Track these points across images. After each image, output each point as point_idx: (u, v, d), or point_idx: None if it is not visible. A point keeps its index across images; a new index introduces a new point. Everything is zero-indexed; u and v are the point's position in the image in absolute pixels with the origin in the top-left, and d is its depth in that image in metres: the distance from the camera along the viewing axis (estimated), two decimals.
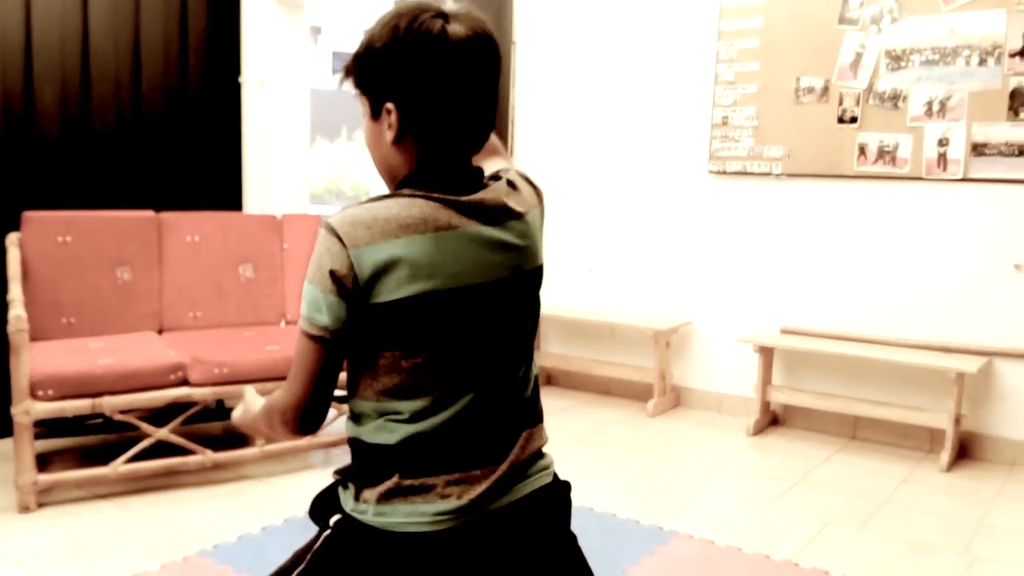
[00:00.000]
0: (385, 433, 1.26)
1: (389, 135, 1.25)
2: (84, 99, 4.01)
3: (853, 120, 4.12)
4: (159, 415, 3.43)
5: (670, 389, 4.70)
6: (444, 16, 1.24)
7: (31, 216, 3.52)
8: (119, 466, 3.18)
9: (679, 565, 2.81)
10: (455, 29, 1.23)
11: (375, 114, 1.27)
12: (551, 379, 5.20)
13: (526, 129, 5.16)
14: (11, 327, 3.00)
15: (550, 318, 5.03)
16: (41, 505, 3.12)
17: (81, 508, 3.14)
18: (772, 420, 4.43)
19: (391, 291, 1.18)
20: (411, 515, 1.23)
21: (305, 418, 1.27)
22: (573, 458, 3.86)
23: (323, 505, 1.37)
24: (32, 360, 3.05)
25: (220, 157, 4.55)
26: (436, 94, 1.22)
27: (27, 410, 3.01)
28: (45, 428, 3.39)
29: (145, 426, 3.24)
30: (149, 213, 3.79)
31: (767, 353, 4.27)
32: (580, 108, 4.96)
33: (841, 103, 4.14)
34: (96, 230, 3.61)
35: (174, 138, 4.34)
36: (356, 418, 1.32)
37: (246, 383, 3.35)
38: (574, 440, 4.13)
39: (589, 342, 5.02)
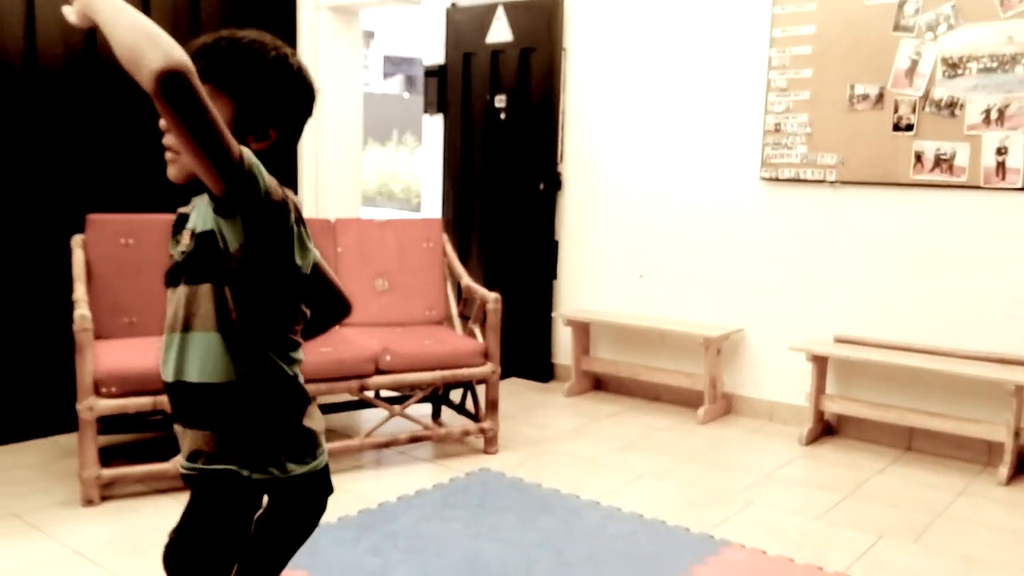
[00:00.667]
0: None
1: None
2: (148, 105, 4.11)
3: (909, 128, 4.06)
4: None
5: (720, 396, 4.67)
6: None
7: (95, 219, 3.63)
8: (178, 462, 3.26)
9: (730, 575, 2.80)
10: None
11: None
12: (600, 384, 5.20)
13: (576, 135, 5.18)
14: (76, 326, 3.10)
15: (600, 323, 5.04)
16: (104, 499, 3.21)
17: (142, 502, 3.23)
18: (825, 430, 4.39)
19: None
20: None
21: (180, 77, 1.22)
22: (621, 464, 3.86)
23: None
24: (96, 358, 3.15)
25: (276, 161, 4.62)
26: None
27: (91, 406, 3.10)
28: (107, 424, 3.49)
29: None
30: None
31: (820, 362, 4.23)
32: (630, 114, 4.96)
33: (896, 110, 4.09)
34: (157, 232, 3.70)
35: None
36: None
37: (307, 382, 3.41)
38: (622, 446, 4.13)
39: (639, 348, 5.01)
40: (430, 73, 5.86)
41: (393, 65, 27.36)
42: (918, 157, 4.04)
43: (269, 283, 1.48)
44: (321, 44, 4.65)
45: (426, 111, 6.03)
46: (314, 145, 4.69)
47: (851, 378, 4.32)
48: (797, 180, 4.40)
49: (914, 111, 4.04)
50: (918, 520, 3.32)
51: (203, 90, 1.26)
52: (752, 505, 3.42)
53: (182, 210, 1.60)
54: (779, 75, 4.42)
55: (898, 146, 4.09)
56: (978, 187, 3.92)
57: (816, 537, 3.13)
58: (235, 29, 1.53)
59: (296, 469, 1.57)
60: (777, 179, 4.47)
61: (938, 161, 4.00)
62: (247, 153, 1.37)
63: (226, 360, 1.48)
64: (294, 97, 1.55)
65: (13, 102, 3.74)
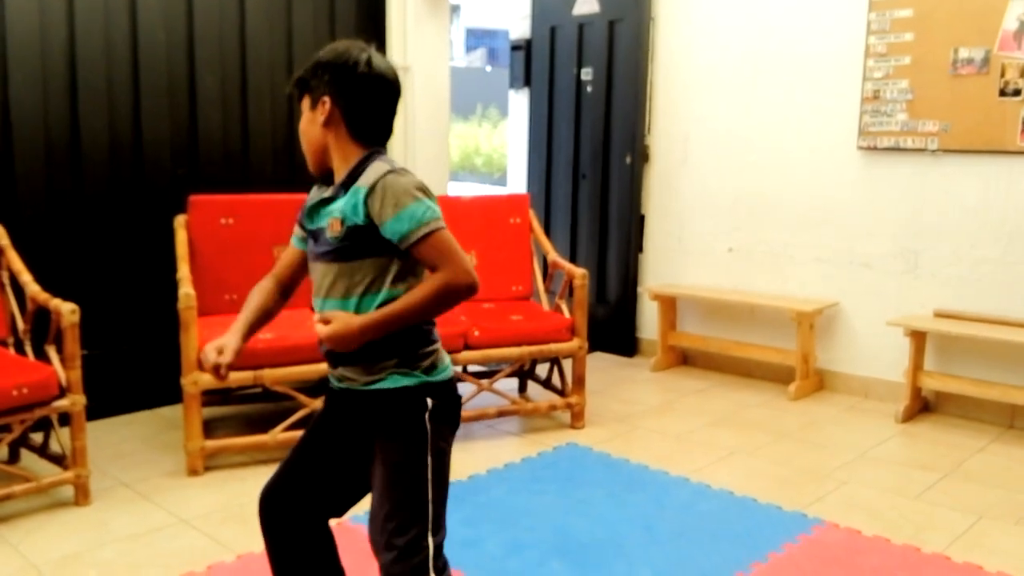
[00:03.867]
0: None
1: (321, 120, 1.74)
2: (242, 87, 4.24)
3: (1016, 93, 3.87)
4: (313, 386, 3.62)
5: (813, 372, 4.58)
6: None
7: (197, 199, 3.76)
8: (278, 434, 3.39)
9: (823, 554, 2.77)
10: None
11: (312, 106, 1.75)
12: (687, 359, 5.16)
13: (664, 106, 5.10)
14: (181, 304, 3.23)
15: (687, 297, 4.99)
16: (207, 469, 3.36)
17: (244, 472, 3.36)
18: (923, 407, 4.26)
19: None
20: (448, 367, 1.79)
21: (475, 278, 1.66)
22: (711, 439, 3.83)
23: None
24: (200, 335, 3.28)
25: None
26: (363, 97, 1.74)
27: (195, 381, 3.24)
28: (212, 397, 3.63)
29: (301, 397, 3.43)
30: (303, 195, 3.97)
31: (919, 337, 4.10)
32: (720, 84, 4.86)
33: (1003, 75, 3.90)
34: (255, 212, 3.83)
35: None
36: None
37: None
38: (712, 421, 4.10)
39: (727, 323, 4.94)
40: (516, 47, 5.85)
41: (475, 38, 27.37)
42: None
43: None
44: (410, 21, 4.69)
45: (512, 86, 6.02)
46: (402, 123, 4.74)
47: (951, 354, 4.18)
48: (897, 149, 4.26)
49: (1022, 75, 3.85)
50: (1022, 501, 3.20)
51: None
52: (847, 484, 3.36)
53: (319, 194, 1.79)
54: (878, 40, 4.26)
55: (1005, 112, 3.91)
56: None
57: (913, 517, 3.06)
58: (336, 44, 1.77)
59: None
60: (876, 148, 4.32)
61: None
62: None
63: None
64: (384, 100, 1.76)
65: (121, 90, 3.89)
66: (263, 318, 1.89)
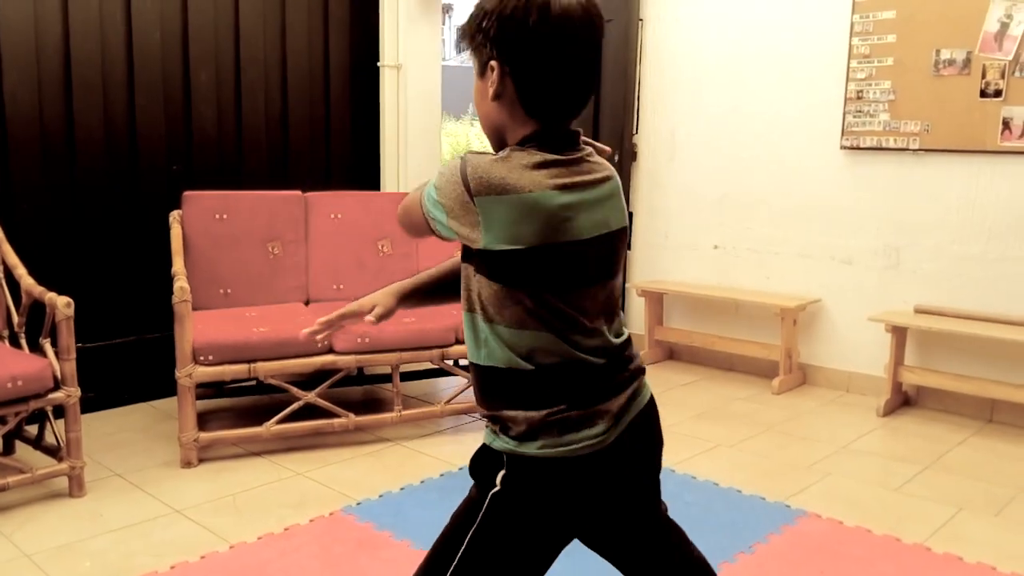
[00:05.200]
0: None
1: (491, 92, 1.30)
2: (236, 83, 4.28)
3: (997, 93, 3.95)
4: (307, 380, 3.67)
5: (796, 367, 4.66)
6: None
7: (191, 195, 3.80)
8: (271, 426, 3.43)
9: (806, 544, 2.84)
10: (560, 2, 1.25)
11: (481, 72, 1.32)
12: (673, 354, 5.23)
13: (651, 105, 5.17)
14: (176, 298, 3.27)
15: (674, 293, 5.06)
16: (202, 460, 3.40)
17: (238, 463, 3.41)
18: (904, 401, 4.34)
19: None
20: (574, 442, 1.31)
21: None
22: (696, 432, 3.90)
23: (482, 462, 1.42)
24: (194, 328, 3.32)
25: (360, 138, 4.78)
26: (539, 58, 1.26)
27: (190, 373, 3.28)
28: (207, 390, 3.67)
29: (295, 390, 3.47)
30: (296, 192, 4.03)
31: (900, 333, 4.18)
32: (707, 83, 4.93)
33: (984, 76, 3.98)
34: (249, 208, 3.87)
35: (317, 121, 4.59)
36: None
37: (387, 352, 3.55)
38: (697, 415, 4.17)
39: (713, 318, 5.02)
40: None
41: None
42: (1006, 124, 3.94)
43: None
44: (402, 19, 4.73)
45: None
46: (395, 121, 4.79)
47: (931, 349, 4.26)
48: (879, 148, 4.33)
49: (1003, 76, 3.93)
50: (1000, 493, 3.28)
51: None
52: (829, 476, 3.43)
53: None
54: (862, 41, 4.33)
55: (986, 112, 3.99)
56: None
57: (894, 509, 3.13)
58: None
59: None
60: (858, 147, 4.40)
61: None
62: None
63: None
64: (571, 58, 1.29)
65: (116, 86, 3.92)
66: (441, 286, 1.55)
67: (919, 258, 4.29)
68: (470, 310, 1.33)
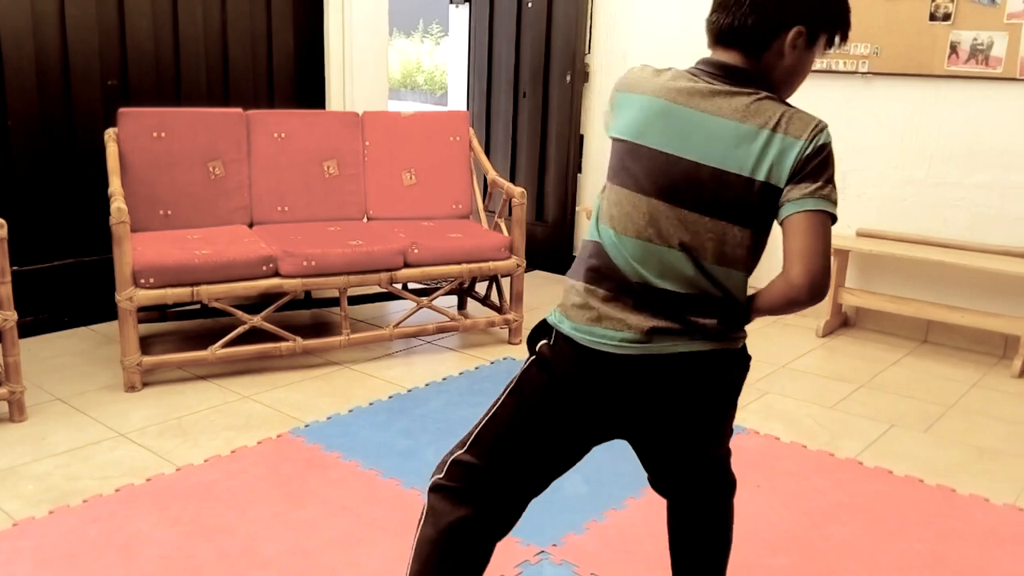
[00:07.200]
0: None
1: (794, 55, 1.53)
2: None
3: (946, 17, 3.96)
4: (253, 304, 3.63)
5: None
6: None
7: (127, 112, 3.67)
8: (217, 350, 3.41)
9: (743, 459, 2.91)
10: None
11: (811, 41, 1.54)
12: None
13: (605, 25, 5.09)
14: (113, 219, 3.18)
15: None
16: (145, 384, 3.37)
17: (183, 387, 3.38)
18: (843, 322, 4.45)
19: None
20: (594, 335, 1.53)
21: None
22: None
23: (536, 334, 1.64)
24: (134, 251, 3.25)
25: (304, 55, 4.63)
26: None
27: (131, 297, 3.22)
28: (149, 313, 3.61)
29: (240, 313, 3.44)
30: (237, 110, 3.91)
31: (841, 255, 4.26)
32: (661, 2, 4.85)
33: None
34: (188, 126, 3.75)
35: (259, 36, 4.44)
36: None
37: (333, 276, 3.52)
38: None
39: None
40: None
41: None
42: (953, 48, 3.96)
43: None
44: None
45: (452, 1, 5.93)
46: (340, 38, 4.65)
47: (871, 272, 4.35)
48: (828, 71, 4.34)
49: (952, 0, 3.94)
50: (931, 410, 3.41)
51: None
52: (767, 394, 3.52)
53: None
54: None
55: (935, 36, 4.00)
56: (1015, 79, 3.84)
57: (829, 425, 3.23)
58: None
59: None
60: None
61: (974, 52, 3.92)
62: None
63: None
64: None
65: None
66: None
67: (864, 182, 4.34)
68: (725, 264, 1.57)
